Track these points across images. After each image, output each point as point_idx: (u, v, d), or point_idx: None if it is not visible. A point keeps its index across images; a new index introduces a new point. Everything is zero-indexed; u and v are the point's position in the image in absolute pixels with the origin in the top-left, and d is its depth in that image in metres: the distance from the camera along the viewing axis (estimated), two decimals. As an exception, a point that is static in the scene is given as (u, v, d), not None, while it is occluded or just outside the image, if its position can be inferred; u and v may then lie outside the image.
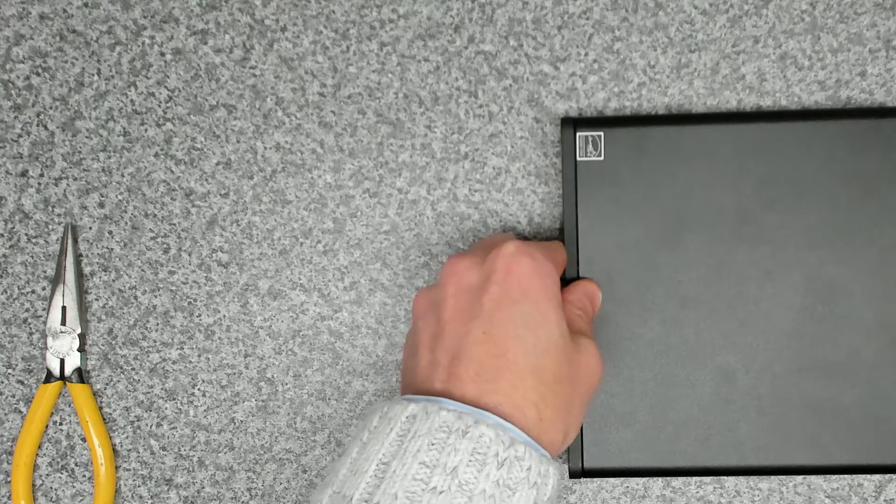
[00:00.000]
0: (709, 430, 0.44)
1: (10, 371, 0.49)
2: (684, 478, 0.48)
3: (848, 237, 0.44)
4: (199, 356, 0.49)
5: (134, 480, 0.49)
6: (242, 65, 0.48)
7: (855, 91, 0.47)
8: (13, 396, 0.49)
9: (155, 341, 0.49)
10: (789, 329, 0.44)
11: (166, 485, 0.49)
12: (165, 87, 0.48)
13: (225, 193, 0.48)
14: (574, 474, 0.45)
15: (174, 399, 0.49)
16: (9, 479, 0.49)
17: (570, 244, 0.45)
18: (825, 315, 0.44)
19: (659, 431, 0.45)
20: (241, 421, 0.49)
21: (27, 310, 0.49)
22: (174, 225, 0.48)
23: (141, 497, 0.49)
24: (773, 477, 0.48)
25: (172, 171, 0.48)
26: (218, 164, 0.48)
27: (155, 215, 0.48)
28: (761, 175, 0.44)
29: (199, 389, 0.49)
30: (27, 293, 0.49)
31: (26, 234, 0.48)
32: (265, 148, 0.48)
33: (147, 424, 0.49)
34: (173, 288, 0.48)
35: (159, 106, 0.48)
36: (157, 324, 0.49)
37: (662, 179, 0.45)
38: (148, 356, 0.49)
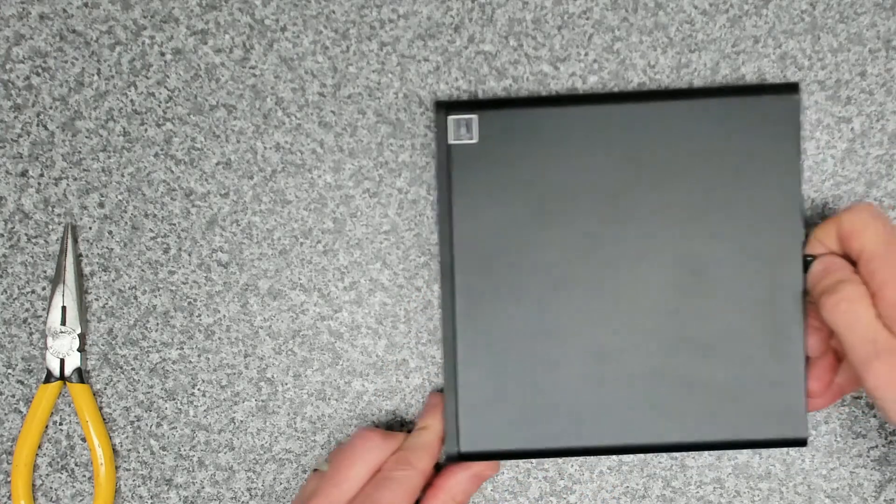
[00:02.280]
0: (583, 410, 0.44)
1: (10, 371, 0.49)
2: (685, 477, 0.48)
3: (716, 214, 0.44)
4: (199, 356, 0.49)
5: (134, 480, 0.49)
6: (242, 65, 0.48)
7: (855, 91, 0.47)
8: (13, 396, 0.49)
9: (155, 341, 0.49)
10: (660, 307, 0.44)
11: (166, 485, 0.49)
12: (165, 87, 0.48)
13: (225, 193, 0.48)
14: (450, 458, 0.45)
15: (174, 399, 0.49)
16: (9, 479, 0.49)
17: (445, 228, 0.45)
18: (695, 293, 0.44)
19: (534, 413, 0.45)
20: (241, 421, 0.49)
21: (27, 310, 0.49)
22: (174, 225, 0.48)
23: (141, 497, 0.49)
24: (772, 476, 0.48)
25: (172, 171, 0.48)
26: (218, 164, 0.48)
27: (155, 215, 0.48)
28: (631, 154, 0.44)
29: (199, 389, 0.49)
30: (27, 293, 0.49)
31: (26, 234, 0.48)
32: (265, 148, 0.48)
33: (147, 424, 0.49)
34: (173, 288, 0.48)
35: (159, 106, 0.48)
36: (157, 324, 0.49)
37: (535, 161, 0.44)
38: (148, 356, 0.49)
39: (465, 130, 0.44)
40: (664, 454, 0.48)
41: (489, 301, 0.45)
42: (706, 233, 0.44)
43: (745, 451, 0.48)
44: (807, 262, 0.44)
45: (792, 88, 0.44)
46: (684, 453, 0.48)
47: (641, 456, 0.48)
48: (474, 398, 0.45)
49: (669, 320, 0.44)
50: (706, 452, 0.48)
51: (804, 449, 0.48)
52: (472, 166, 0.45)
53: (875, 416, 0.48)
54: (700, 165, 0.44)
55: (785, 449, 0.48)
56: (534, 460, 0.49)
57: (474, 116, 0.45)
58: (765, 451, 0.48)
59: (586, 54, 0.47)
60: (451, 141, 0.45)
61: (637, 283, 0.44)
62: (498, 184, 0.44)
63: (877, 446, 0.48)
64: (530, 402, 0.45)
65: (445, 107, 0.45)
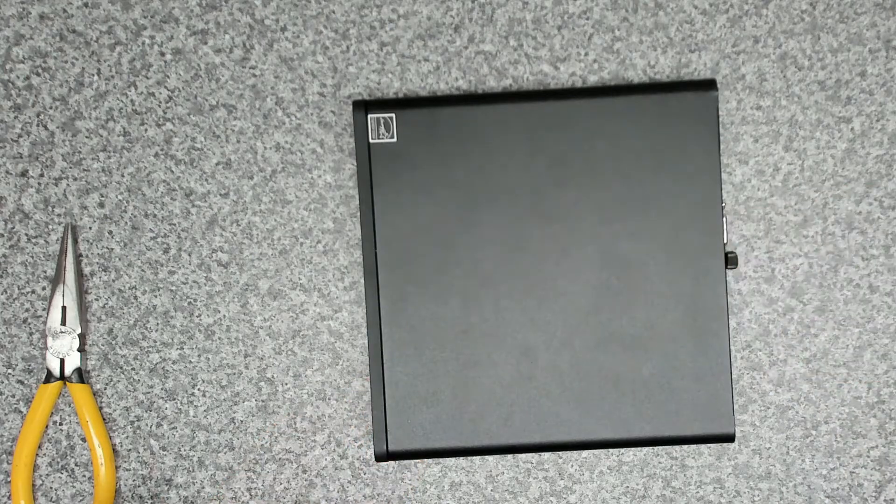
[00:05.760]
0: (511, 407, 0.45)
1: (10, 371, 0.49)
2: (685, 477, 0.48)
3: (639, 210, 0.44)
4: (199, 356, 0.49)
5: (134, 480, 0.49)
6: (242, 65, 0.48)
7: (855, 91, 0.47)
8: (13, 396, 0.49)
9: (155, 341, 0.49)
10: (587, 304, 0.44)
11: (166, 485, 0.49)
12: (165, 87, 0.48)
13: (225, 193, 0.48)
14: (379, 458, 0.45)
15: (174, 399, 0.49)
16: (9, 479, 0.49)
17: (367, 227, 0.45)
18: (621, 289, 0.44)
19: (462, 411, 0.45)
20: (241, 421, 0.49)
21: (27, 310, 0.49)
22: (174, 225, 0.48)
23: (141, 497, 0.49)
24: (772, 476, 0.48)
25: (172, 171, 0.48)
26: (218, 164, 0.48)
27: (155, 215, 0.48)
28: (553, 152, 0.44)
29: (199, 389, 0.49)
30: (27, 293, 0.49)
31: (26, 234, 0.48)
32: (265, 148, 0.48)
33: (147, 424, 0.49)
34: (173, 288, 0.48)
35: (159, 106, 0.48)
36: (157, 324, 0.49)
37: (456, 159, 0.45)
38: (148, 356, 0.49)
39: (384, 129, 0.44)
40: (663, 454, 0.48)
41: (414, 299, 0.45)
42: (630, 229, 0.44)
43: (744, 450, 0.48)
44: (728, 258, 0.44)
45: (710, 85, 0.44)
46: (684, 453, 0.48)
47: (641, 456, 0.48)
48: (401, 397, 0.45)
49: (595, 317, 0.44)
50: (706, 452, 0.48)
51: (804, 449, 0.48)
52: (392, 165, 0.45)
53: (875, 416, 0.48)
54: (622, 162, 0.44)
55: (786, 448, 0.48)
56: (533, 459, 0.49)
57: (392, 115, 0.45)
58: (766, 451, 0.48)
59: (586, 54, 0.47)
60: (371, 140, 0.45)
61: (563, 279, 0.44)
62: (420, 182, 0.45)
63: (877, 446, 0.48)
64: (458, 401, 0.45)
65: (365, 105, 0.45)
